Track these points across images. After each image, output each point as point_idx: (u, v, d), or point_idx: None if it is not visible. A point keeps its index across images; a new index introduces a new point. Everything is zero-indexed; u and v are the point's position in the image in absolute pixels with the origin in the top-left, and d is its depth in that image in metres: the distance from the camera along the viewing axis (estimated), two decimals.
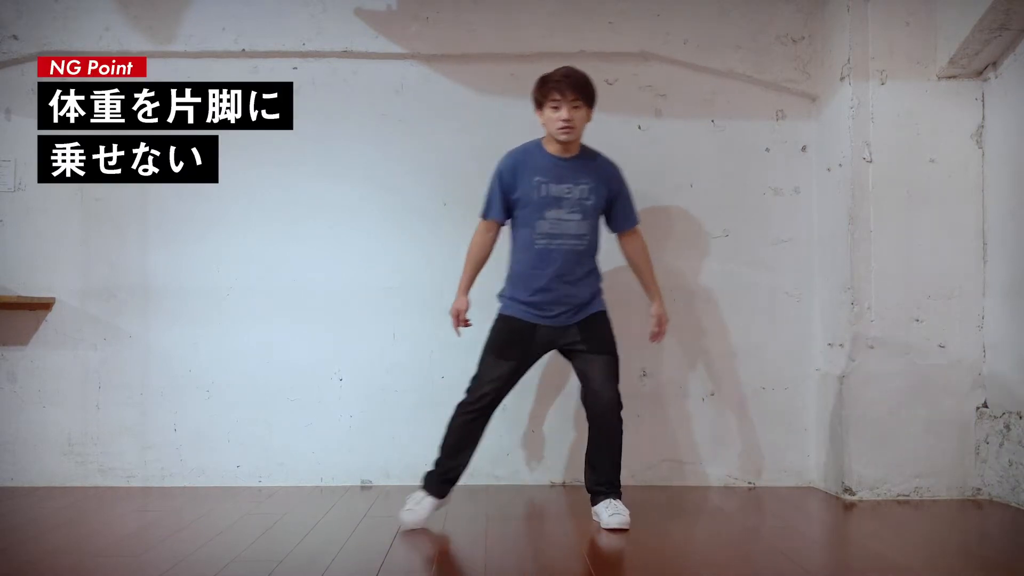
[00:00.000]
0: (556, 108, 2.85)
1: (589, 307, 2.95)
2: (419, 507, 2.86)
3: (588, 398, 2.94)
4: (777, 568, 2.40)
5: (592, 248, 2.98)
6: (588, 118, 2.92)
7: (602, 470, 2.93)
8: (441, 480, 2.92)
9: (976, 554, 2.69)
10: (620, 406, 2.93)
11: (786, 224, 3.64)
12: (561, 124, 2.85)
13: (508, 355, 2.90)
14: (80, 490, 3.48)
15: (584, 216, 2.91)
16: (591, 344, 2.92)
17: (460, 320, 3.01)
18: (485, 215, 3.00)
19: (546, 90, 2.87)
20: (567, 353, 2.98)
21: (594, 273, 2.99)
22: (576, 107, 2.85)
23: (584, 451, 3.01)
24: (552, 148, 2.93)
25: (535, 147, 2.97)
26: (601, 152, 3.03)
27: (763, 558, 2.52)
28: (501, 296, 3.00)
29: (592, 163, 2.97)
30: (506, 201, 2.95)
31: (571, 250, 2.90)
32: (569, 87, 2.84)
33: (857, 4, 3.34)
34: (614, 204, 3.01)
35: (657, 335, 3.11)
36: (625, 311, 3.63)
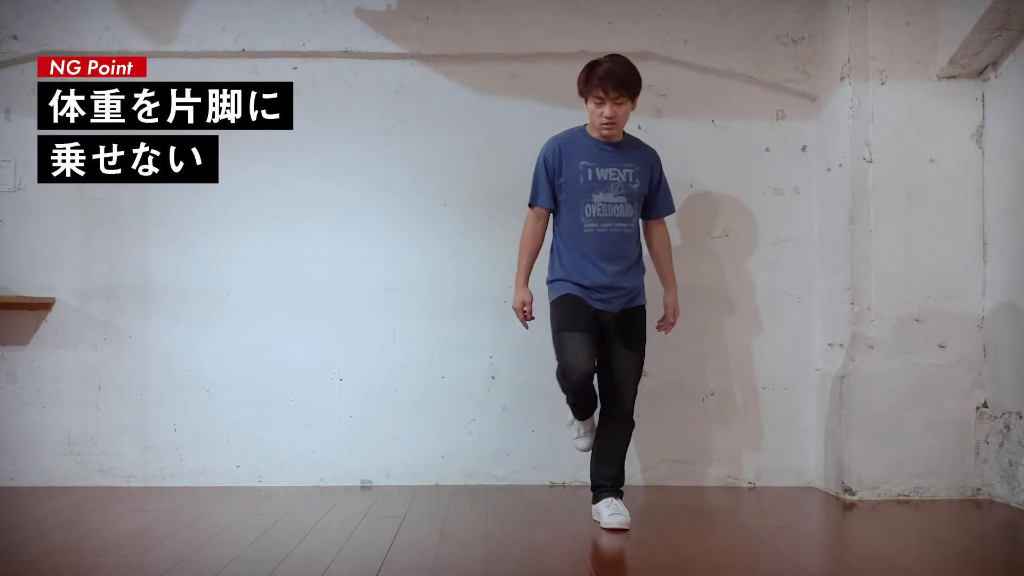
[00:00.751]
0: (599, 104, 2.85)
1: (636, 298, 2.97)
2: (583, 430, 3.04)
3: (608, 390, 2.95)
4: (777, 568, 2.40)
5: (637, 233, 3.00)
6: (632, 107, 2.92)
7: (610, 465, 2.94)
8: (583, 411, 3.04)
9: (976, 554, 2.69)
10: (633, 403, 2.98)
11: (786, 224, 3.64)
12: (604, 121, 2.86)
13: (578, 326, 2.86)
14: (80, 490, 3.48)
15: (630, 199, 2.92)
16: (627, 338, 2.93)
17: (527, 313, 2.98)
18: (533, 203, 2.98)
19: (591, 86, 2.86)
20: (606, 338, 2.95)
21: (640, 260, 3.01)
22: (620, 103, 2.86)
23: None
24: (595, 133, 2.94)
25: (580, 132, 2.98)
26: (643, 140, 3.05)
27: (763, 558, 2.52)
28: (553, 282, 2.97)
29: (636, 149, 2.99)
30: (552, 187, 2.94)
31: (620, 233, 2.91)
32: (613, 86, 2.83)
33: (857, 4, 3.34)
34: (656, 191, 3.03)
35: (667, 325, 3.11)
36: None
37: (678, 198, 3.62)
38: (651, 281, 3.27)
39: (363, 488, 3.54)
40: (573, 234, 2.91)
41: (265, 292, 3.60)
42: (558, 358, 2.91)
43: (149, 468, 3.57)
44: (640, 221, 3.06)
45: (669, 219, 3.60)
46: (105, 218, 3.61)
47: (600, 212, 2.89)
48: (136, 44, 3.58)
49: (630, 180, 2.92)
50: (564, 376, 2.90)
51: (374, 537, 2.74)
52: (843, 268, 3.38)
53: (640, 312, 2.99)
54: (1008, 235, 3.23)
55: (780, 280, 3.63)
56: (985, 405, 3.32)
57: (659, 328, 3.13)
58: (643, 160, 2.98)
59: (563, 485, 3.56)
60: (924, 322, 3.33)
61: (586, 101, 2.91)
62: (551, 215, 3.00)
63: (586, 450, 3.08)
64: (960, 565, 2.51)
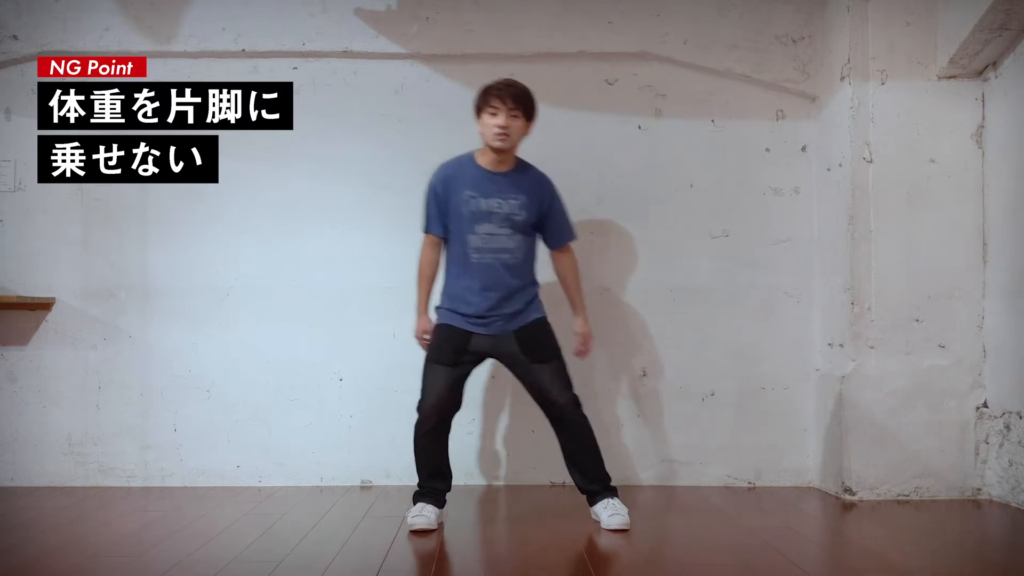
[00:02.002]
0: (494, 115, 2.84)
1: (525, 315, 2.92)
2: (425, 512, 2.85)
3: (545, 406, 2.93)
4: (777, 568, 2.40)
5: (525, 261, 2.96)
6: (526, 131, 2.91)
7: (588, 470, 2.93)
8: (432, 492, 2.92)
9: (976, 554, 2.69)
10: (579, 404, 2.93)
11: (786, 224, 3.64)
12: (497, 130, 2.83)
13: (443, 360, 2.88)
14: (80, 490, 3.48)
15: (514, 230, 2.89)
16: (534, 354, 2.90)
17: (427, 341, 2.99)
18: (426, 230, 2.99)
19: (487, 97, 2.86)
20: (508, 365, 2.95)
21: (529, 285, 2.97)
22: (514, 116, 2.84)
23: (555, 440, 2.98)
24: (484, 160, 2.91)
25: (468, 160, 2.95)
26: (535, 167, 3.00)
27: (763, 558, 2.52)
28: (438, 308, 2.98)
29: (524, 178, 2.94)
30: (441, 214, 2.94)
31: (503, 264, 2.89)
32: (510, 96, 2.83)
33: (857, 4, 3.34)
34: (547, 220, 2.99)
35: (582, 352, 3.09)
36: (621, 311, 3.64)
37: (678, 198, 3.64)
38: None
39: (363, 488, 3.54)
40: (459, 262, 2.92)
41: (265, 292, 3.61)
42: (421, 391, 2.91)
43: (149, 468, 3.57)
44: (546, 248, 3.04)
45: (669, 219, 3.63)
46: (105, 218, 3.61)
47: (483, 243, 2.87)
48: (136, 44, 3.58)
49: (514, 212, 2.89)
50: (418, 412, 2.90)
51: (374, 537, 2.74)
52: (843, 268, 3.38)
53: (538, 324, 2.94)
54: (1008, 235, 3.23)
55: (780, 280, 3.63)
56: (985, 405, 3.32)
57: (575, 355, 3.09)
58: (531, 190, 2.93)
59: (563, 485, 3.55)
60: (924, 322, 3.33)
61: (480, 115, 2.88)
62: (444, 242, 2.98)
63: (425, 527, 2.79)
64: (960, 565, 2.51)
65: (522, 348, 2.90)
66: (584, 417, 2.94)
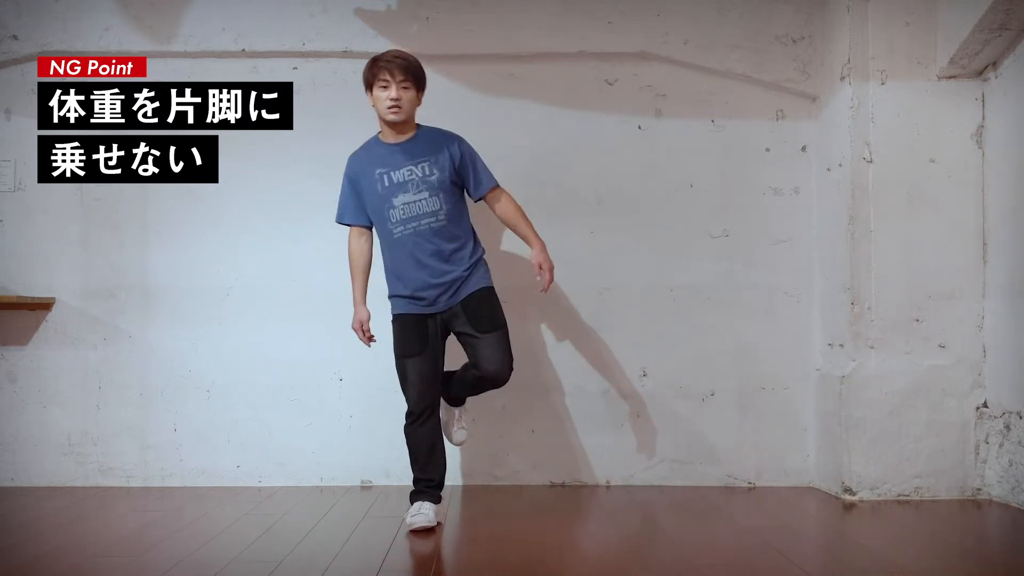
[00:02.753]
0: (385, 87, 2.85)
1: (469, 284, 2.91)
2: (423, 510, 2.85)
3: (479, 370, 2.90)
4: (777, 568, 2.40)
5: (454, 221, 2.92)
6: (418, 101, 2.92)
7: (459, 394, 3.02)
8: (427, 488, 2.93)
9: (976, 554, 2.69)
10: (511, 368, 2.91)
11: (786, 224, 3.64)
12: (390, 103, 2.85)
13: (412, 351, 2.90)
14: (80, 490, 3.48)
15: (432, 192, 2.89)
16: (479, 324, 2.89)
17: (365, 332, 3.02)
18: (341, 220, 3.03)
19: (376, 70, 2.86)
20: (458, 336, 2.94)
21: (467, 247, 2.94)
22: (405, 87, 2.85)
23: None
24: (387, 137, 2.94)
25: (373, 142, 2.99)
26: (438, 127, 3.01)
27: (762, 558, 2.52)
28: (389, 297, 3.00)
29: (427, 139, 2.95)
30: (359, 201, 2.96)
31: (428, 228, 2.88)
32: (399, 68, 2.84)
33: (857, 4, 3.34)
34: (467, 170, 2.98)
35: (544, 281, 2.96)
36: (621, 311, 3.64)
37: (678, 198, 3.64)
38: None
39: (363, 488, 3.54)
40: (387, 240, 2.93)
41: (265, 292, 3.61)
42: (401, 385, 2.94)
43: (149, 468, 3.57)
44: (482, 201, 3.01)
45: (669, 219, 3.62)
46: (105, 218, 3.61)
47: (403, 215, 2.88)
48: (136, 44, 3.58)
49: (427, 174, 2.89)
50: (407, 404, 2.92)
51: (374, 537, 2.74)
52: (843, 268, 3.38)
53: (482, 294, 2.92)
54: (1008, 235, 3.23)
55: (780, 280, 3.63)
56: (985, 405, 3.32)
57: (541, 291, 3.00)
58: (438, 148, 2.93)
59: (563, 485, 3.55)
60: (924, 322, 3.33)
61: (372, 91, 2.89)
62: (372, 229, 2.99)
63: (426, 525, 2.82)
64: (960, 565, 2.51)
65: (469, 319, 2.89)
66: (508, 378, 2.92)
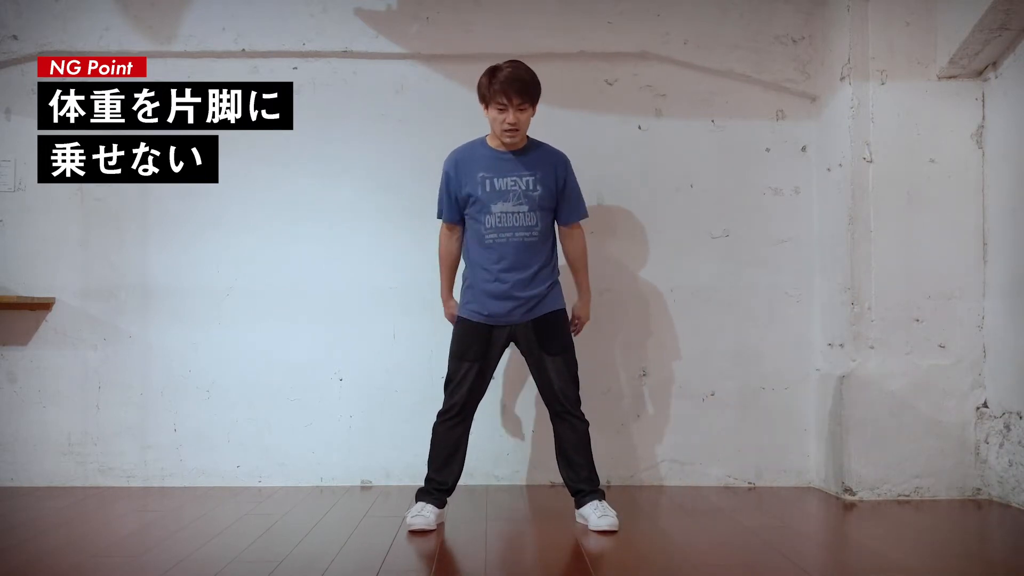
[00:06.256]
0: (502, 110, 2.85)
1: (544, 304, 2.94)
2: (424, 512, 2.85)
3: (549, 398, 2.95)
4: (776, 568, 2.40)
5: (544, 239, 2.95)
6: (533, 114, 2.93)
7: (580, 468, 2.93)
8: (436, 491, 2.92)
9: (976, 554, 2.69)
10: (579, 402, 2.95)
11: (786, 224, 3.64)
12: (507, 127, 2.86)
13: (469, 356, 2.92)
14: (80, 490, 3.48)
15: (532, 207, 2.90)
16: (548, 345, 2.92)
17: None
18: (440, 217, 3.04)
19: (492, 92, 2.86)
20: (523, 351, 2.98)
21: (549, 267, 2.97)
22: (522, 110, 2.86)
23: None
24: (495, 143, 2.95)
25: (479, 143, 2.99)
26: (548, 144, 3.02)
27: (762, 558, 2.52)
28: (462, 291, 3.01)
29: (537, 155, 2.96)
30: (456, 200, 2.96)
31: (521, 242, 2.89)
32: (516, 92, 2.83)
33: (857, 4, 3.34)
34: (562, 195, 2.99)
35: (575, 329, 3.10)
36: (621, 311, 3.64)
37: (678, 198, 3.64)
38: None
39: (363, 488, 3.54)
40: (476, 245, 2.94)
41: (265, 292, 3.60)
42: (446, 381, 2.96)
43: (149, 468, 3.57)
44: (556, 228, 3.05)
45: (669, 219, 3.62)
46: (105, 218, 3.61)
47: (499, 222, 2.88)
48: (136, 44, 3.58)
49: (530, 188, 2.90)
50: (444, 401, 2.95)
51: (374, 537, 2.74)
52: (843, 268, 3.38)
53: (556, 316, 2.95)
54: (1008, 235, 3.23)
55: (780, 280, 3.63)
56: (985, 405, 3.32)
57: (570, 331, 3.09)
58: (546, 166, 2.94)
59: (563, 485, 3.55)
60: (924, 322, 3.33)
61: (487, 107, 2.89)
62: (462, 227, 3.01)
63: (423, 527, 2.79)
64: (960, 565, 2.51)
65: (538, 337, 2.92)
66: (583, 416, 2.95)
